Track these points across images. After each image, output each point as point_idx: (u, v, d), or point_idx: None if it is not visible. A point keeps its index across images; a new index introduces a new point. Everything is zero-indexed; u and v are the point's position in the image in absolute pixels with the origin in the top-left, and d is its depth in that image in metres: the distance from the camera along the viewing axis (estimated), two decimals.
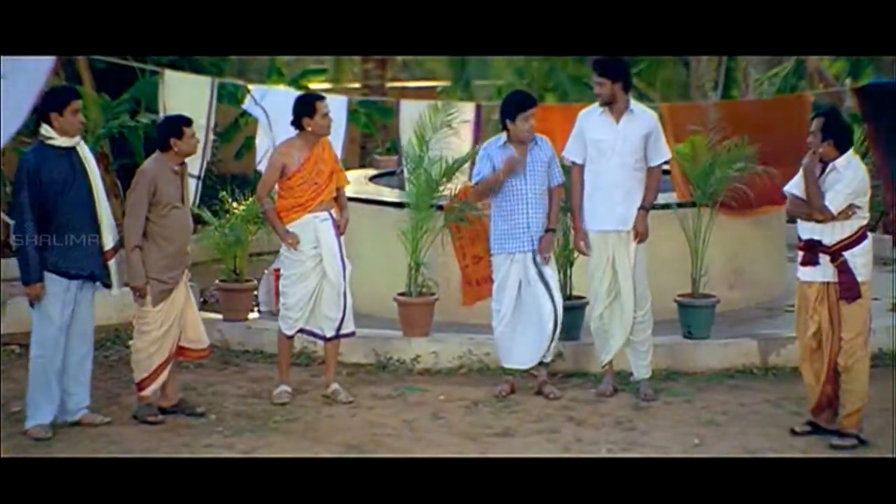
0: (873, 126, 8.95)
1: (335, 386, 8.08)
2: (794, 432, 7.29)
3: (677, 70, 14.24)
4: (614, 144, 7.87)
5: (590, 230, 8.00)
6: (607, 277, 7.95)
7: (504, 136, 7.98)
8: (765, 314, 9.88)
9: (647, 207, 7.92)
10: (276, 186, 7.99)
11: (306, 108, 7.87)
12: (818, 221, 7.01)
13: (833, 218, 6.97)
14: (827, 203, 6.97)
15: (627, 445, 7.14)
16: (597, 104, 8.00)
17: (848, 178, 7.00)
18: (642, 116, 7.99)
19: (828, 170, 7.05)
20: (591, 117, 7.99)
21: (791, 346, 8.58)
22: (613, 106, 7.90)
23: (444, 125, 9.14)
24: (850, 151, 7.11)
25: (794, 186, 7.16)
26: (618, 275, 7.93)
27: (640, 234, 7.92)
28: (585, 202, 7.98)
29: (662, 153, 8.02)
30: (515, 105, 7.93)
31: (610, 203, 7.90)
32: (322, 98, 8.07)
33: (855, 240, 7.01)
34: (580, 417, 7.66)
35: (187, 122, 7.62)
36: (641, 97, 14.74)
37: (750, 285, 10.09)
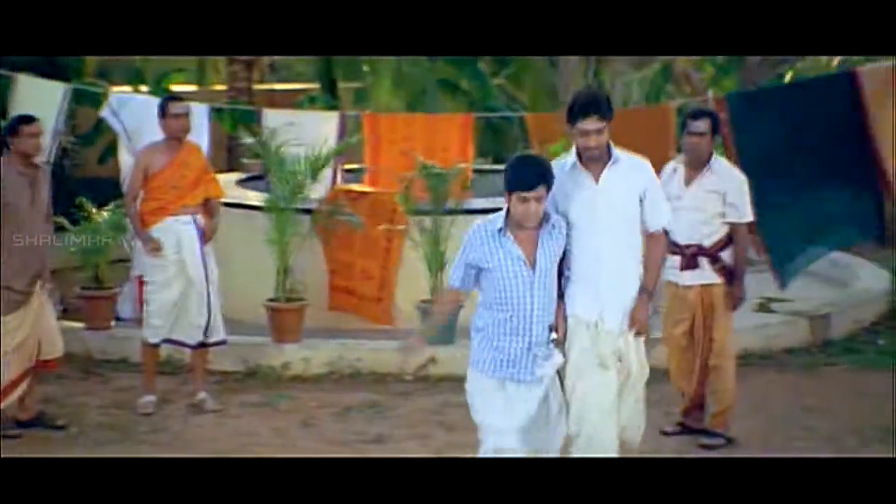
0: (736, 136, 9.11)
1: (203, 394, 7.90)
2: (664, 433, 7.33)
3: (547, 73, 14.32)
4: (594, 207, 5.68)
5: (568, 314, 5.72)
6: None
7: (503, 214, 5.48)
8: None
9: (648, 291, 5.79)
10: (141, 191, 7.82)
11: (159, 109, 7.79)
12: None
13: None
14: (748, 219, 7.05)
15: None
16: (566, 157, 5.79)
17: (742, 186, 7.05)
18: (631, 166, 5.77)
19: (699, 175, 7.09)
20: (562, 173, 5.66)
21: (662, 348, 8.65)
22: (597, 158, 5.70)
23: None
24: (715, 154, 7.19)
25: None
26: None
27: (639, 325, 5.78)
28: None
29: (665, 212, 5.87)
30: (516, 180, 5.39)
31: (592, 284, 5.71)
32: (175, 99, 7.94)
33: (728, 240, 7.08)
34: (451, 422, 7.59)
35: (26, 119, 7.38)
36: (511, 100, 14.83)
37: None
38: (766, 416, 7.60)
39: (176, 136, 7.74)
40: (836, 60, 12.85)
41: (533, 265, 5.39)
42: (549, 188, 5.39)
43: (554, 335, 5.54)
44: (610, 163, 5.68)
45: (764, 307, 9.73)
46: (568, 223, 5.58)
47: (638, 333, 5.75)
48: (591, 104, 5.62)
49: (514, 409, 5.53)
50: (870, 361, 8.94)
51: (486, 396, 5.59)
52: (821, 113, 9.16)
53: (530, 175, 5.35)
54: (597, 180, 5.66)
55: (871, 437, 7.25)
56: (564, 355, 5.59)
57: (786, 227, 8.90)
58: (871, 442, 7.17)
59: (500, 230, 5.41)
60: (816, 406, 7.90)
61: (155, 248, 7.68)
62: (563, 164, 5.73)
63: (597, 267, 5.62)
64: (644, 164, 5.81)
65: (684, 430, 7.30)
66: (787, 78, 14.00)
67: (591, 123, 5.59)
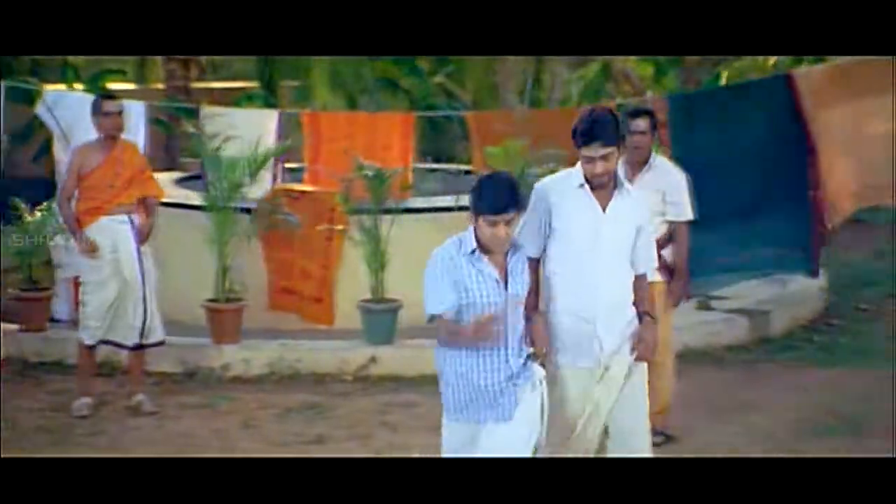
0: (674, 135, 9.13)
1: (140, 396, 7.82)
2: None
3: (488, 71, 14.33)
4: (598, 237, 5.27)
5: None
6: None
7: (470, 236, 4.92)
8: None
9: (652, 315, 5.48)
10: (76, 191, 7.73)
11: (92, 107, 7.71)
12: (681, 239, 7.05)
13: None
14: (689, 217, 7.03)
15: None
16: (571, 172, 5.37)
17: (678, 182, 7.04)
18: (637, 198, 5.45)
19: (640, 173, 7.09)
20: (565, 193, 5.30)
21: None
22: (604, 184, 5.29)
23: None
24: (653, 150, 7.20)
25: None
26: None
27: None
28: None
29: (654, 254, 5.53)
30: (485, 202, 4.85)
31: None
32: (108, 97, 7.88)
33: (669, 238, 7.11)
34: (393, 422, 7.57)
35: None
36: (451, 98, 14.82)
37: None
38: (704, 411, 7.65)
39: (110, 135, 7.66)
40: (773, 60, 12.96)
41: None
42: (520, 211, 4.92)
43: (531, 349, 5.09)
44: (617, 191, 5.26)
45: (704, 305, 9.79)
46: (561, 247, 5.21)
47: (641, 358, 5.37)
48: (594, 129, 5.12)
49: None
50: (807, 358, 9.04)
51: (467, 445, 4.99)
52: (759, 118, 9.23)
53: (501, 197, 4.81)
54: (604, 209, 5.23)
55: (807, 433, 7.32)
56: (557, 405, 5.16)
57: (712, 239, 8.72)
58: (807, 437, 7.24)
59: (472, 252, 4.87)
60: (754, 402, 7.97)
61: (90, 248, 7.59)
62: (567, 179, 5.27)
63: (594, 302, 5.19)
64: (645, 198, 5.55)
65: None
66: (724, 76, 14.10)
67: (595, 150, 5.13)
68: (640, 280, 5.37)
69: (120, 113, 7.69)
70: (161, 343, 7.89)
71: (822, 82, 9.31)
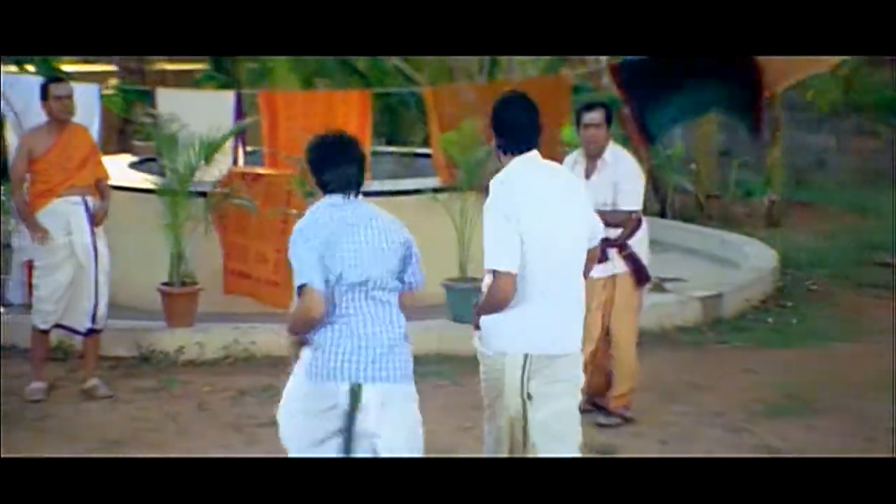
0: (633, 102, 9.11)
1: (94, 381, 7.79)
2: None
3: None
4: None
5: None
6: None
7: None
8: None
9: None
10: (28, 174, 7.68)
11: (41, 92, 7.65)
12: (626, 226, 7.07)
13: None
14: (631, 207, 7.05)
15: None
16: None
17: (630, 172, 7.09)
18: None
19: (598, 166, 7.12)
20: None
21: None
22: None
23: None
24: (612, 142, 7.21)
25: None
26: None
27: None
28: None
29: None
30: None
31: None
32: (56, 81, 7.83)
33: (635, 227, 7.14)
34: None
35: None
36: (408, 81, 14.78)
37: None
38: (657, 392, 7.71)
39: (59, 118, 7.61)
40: None
41: None
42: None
43: None
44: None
45: (658, 287, 9.84)
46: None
47: None
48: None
49: None
50: (758, 339, 9.13)
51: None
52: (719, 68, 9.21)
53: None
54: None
55: (757, 412, 7.40)
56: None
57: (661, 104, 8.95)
58: (758, 417, 7.32)
59: None
60: (705, 383, 8.04)
61: (42, 234, 7.55)
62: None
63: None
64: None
65: (595, 407, 7.33)
66: None
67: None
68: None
69: (69, 96, 7.64)
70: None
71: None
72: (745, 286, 10.13)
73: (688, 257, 11.34)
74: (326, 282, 4.61)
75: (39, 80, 8.37)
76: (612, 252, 7.11)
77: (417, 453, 4.75)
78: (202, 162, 8.73)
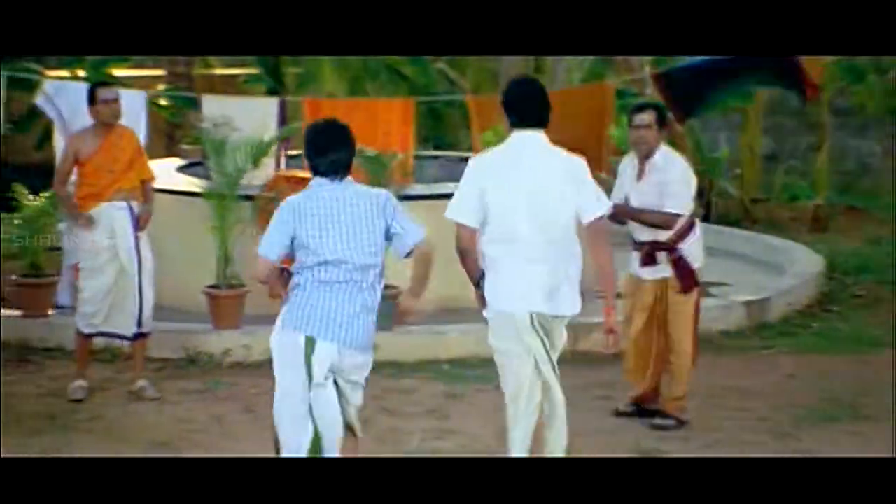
0: (678, 111, 9.12)
1: (142, 382, 7.87)
2: (618, 412, 7.40)
3: (489, 58, 14.31)
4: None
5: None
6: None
7: None
8: None
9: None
10: (75, 177, 7.77)
11: (88, 97, 7.75)
12: (671, 228, 7.05)
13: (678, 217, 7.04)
14: (676, 210, 7.02)
15: (441, 434, 7.13)
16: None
17: (679, 175, 7.07)
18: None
19: (647, 168, 7.11)
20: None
21: (599, 332, 8.69)
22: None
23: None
24: (664, 145, 7.19)
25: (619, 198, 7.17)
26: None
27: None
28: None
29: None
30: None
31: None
32: (104, 85, 7.94)
33: (686, 231, 7.11)
34: (392, 407, 7.61)
35: None
36: (452, 86, 14.81)
37: None
38: (702, 397, 7.69)
39: (106, 122, 7.71)
40: None
41: None
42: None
43: None
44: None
45: (702, 292, 9.80)
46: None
47: None
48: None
49: None
50: (804, 344, 9.08)
51: None
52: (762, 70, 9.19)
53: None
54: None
55: (803, 418, 7.37)
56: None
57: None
58: (802, 423, 7.29)
59: None
60: (751, 388, 8.01)
61: (87, 223, 7.62)
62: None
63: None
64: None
65: (638, 411, 7.34)
66: None
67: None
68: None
69: (116, 100, 7.74)
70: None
71: None
72: (790, 291, 10.08)
73: (732, 261, 11.27)
74: (306, 250, 5.24)
75: (86, 85, 8.50)
76: (662, 255, 7.10)
77: (356, 407, 5.43)
78: (250, 166, 8.81)
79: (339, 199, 5.27)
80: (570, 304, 5.66)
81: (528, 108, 5.65)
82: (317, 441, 5.23)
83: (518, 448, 5.65)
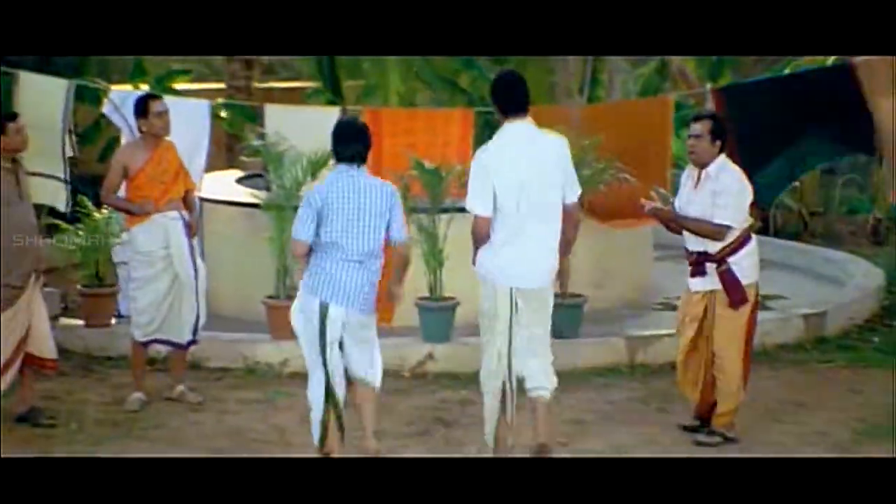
0: (735, 127, 9.09)
1: (181, 387, 7.97)
2: (684, 428, 7.37)
3: (544, 71, 14.34)
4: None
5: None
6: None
7: None
8: (632, 313, 10.01)
9: None
10: (124, 191, 7.87)
11: (139, 108, 7.86)
12: (719, 239, 7.05)
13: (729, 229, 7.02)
14: (723, 222, 7.00)
15: None
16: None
17: (730, 186, 7.03)
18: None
19: (702, 178, 7.11)
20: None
21: (658, 344, 8.73)
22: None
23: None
24: (722, 156, 7.16)
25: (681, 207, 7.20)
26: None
27: None
28: None
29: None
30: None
31: None
32: (156, 98, 8.02)
33: (738, 244, 7.09)
34: (450, 419, 7.65)
35: (11, 117, 7.50)
36: None
37: (618, 285, 10.21)
38: (759, 411, 7.66)
39: (157, 134, 7.80)
40: (831, 59, 12.88)
41: None
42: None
43: None
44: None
45: (759, 304, 9.76)
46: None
47: None
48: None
49: None
50: (863, 359, 9.00)
51: None
52: (819, 101, 9.10)
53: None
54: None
55: (863, 433, 7.32)
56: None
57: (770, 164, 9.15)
58: (862, 438, 7.24)
59: None
60: (809, 402, 7.96)
61: (146, 204, 7.69)
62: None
63: None
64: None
65: (703, 424, 7.33)
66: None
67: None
68: None
69: (167, 112, 7.84)
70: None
71: (884, 71, 9.16)
72: (849, 304, 10.00)
73: (790, 275, 11.22)
74: (324, 231, 6.40)
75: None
76: (710, 266, 7.08)
77: (371, 365, 6.63)
78: (308, 178, 8.88)
79: (354, 190, 6.39)
80: (549, 275, 6.51)
81: (514, 95, 6.40)
82: (329, 389, 6.46)
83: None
